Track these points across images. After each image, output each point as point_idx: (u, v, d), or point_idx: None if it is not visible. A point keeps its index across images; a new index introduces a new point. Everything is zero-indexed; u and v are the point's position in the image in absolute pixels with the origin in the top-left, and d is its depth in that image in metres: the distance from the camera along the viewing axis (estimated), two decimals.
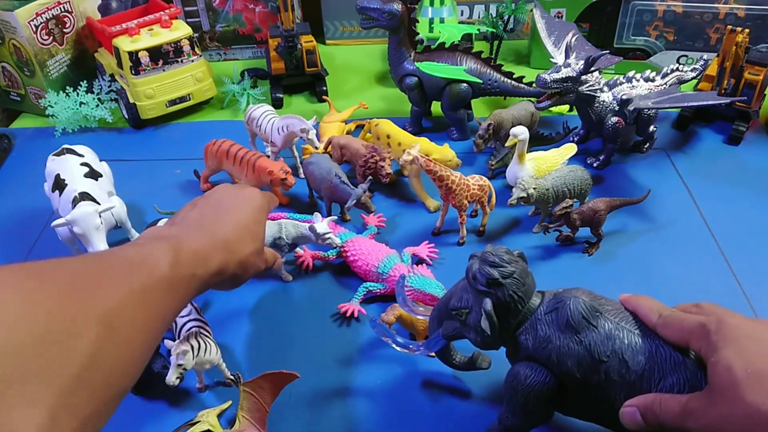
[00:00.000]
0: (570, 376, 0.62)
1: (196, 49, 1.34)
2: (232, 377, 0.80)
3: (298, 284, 0.97)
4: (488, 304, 0.63)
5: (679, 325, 0.58)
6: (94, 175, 0.98)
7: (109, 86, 1.36)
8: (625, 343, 0.60)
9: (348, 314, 0.89)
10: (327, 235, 0.88)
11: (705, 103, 1.12)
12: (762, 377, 0.49)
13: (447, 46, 1.24)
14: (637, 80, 1.14)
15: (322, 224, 0.88)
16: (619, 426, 0.60)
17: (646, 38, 1.42)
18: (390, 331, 0.76)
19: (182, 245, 0.57)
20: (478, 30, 1.45)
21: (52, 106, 1.32)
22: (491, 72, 1.23)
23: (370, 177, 1.04)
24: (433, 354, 0.75)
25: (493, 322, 0.63)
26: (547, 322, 0.63)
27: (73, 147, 1.03)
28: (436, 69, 1.20)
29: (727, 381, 0.51)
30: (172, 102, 1.34)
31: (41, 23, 1.31)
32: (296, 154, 1.19)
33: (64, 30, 1.38)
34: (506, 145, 1.04)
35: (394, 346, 0.76)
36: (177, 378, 0.78)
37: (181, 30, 1.32)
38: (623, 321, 0.62)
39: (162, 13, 1.34)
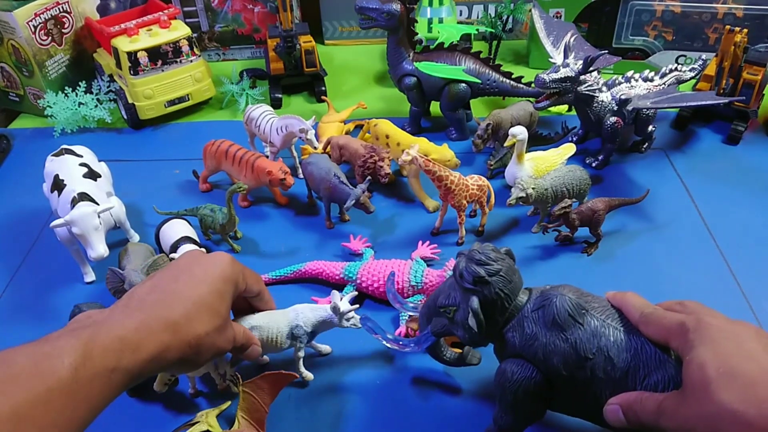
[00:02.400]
0: (556, 373, 0.62)
1: (195, 50, 1.34)
2: (226, 383, 0.80)
3: (295, 285, 0.97)
4: (475, 302, 0.63)
5: (659, 323, 0.59)
6: (92, 175, 0.98)
7: (108, 86, 1.36)
8: (610, 341, 0.61)
9: None
10: (350, 314, 0.77)
11: (703, 102, 1.13)
12: (733, 376, 0.49)
13: (446, 46, 1.24)
14: (636, 80, 1.14)
15: (343, 302, 0.76)
16: (604, 423, 0.60)
17: (644, 38, 1.42)
18: (380, 328, 0.77)
19: (103, 334, 0.52)
20: (477, 30, 1.45)
21: (50, 107, 1.32)
22: (490, 72, 1.24)
23: (369, 177, 1.04)
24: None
25: (480, 319, 0.63)
26: (533, 319, 0.64)
27: (72, 147, 1.03)
28: (435, 69, 1.20)
29: (699, 379, 0.51)
30: (171, 102, 1.34)
31: (40, 24, 1.31)
32: (295, 154, 1.19)
33: (63, 30, 1.38)
34: (505, 145, 1.04)
35: (384, 342, 0.76)
36: (165, 385, 0.78)
37: (179, 30, 1.32)
38: (609, 318, 0.62)
39: (161, 13, 1.34)
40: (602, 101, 1.11)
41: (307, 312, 0.77)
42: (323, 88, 1.42)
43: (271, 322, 0.75)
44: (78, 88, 1.34)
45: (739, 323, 0.55)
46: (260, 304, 0.76)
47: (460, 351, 0.77)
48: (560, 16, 1.44)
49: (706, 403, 0.50)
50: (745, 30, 1.18)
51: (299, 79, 1.44)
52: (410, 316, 0.87)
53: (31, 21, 1.29)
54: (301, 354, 0.79)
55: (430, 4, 1.43)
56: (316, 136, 1.16)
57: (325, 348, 0.85)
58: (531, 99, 1.22)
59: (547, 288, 0.67)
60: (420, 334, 0.74)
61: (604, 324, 0.62)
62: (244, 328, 0.71)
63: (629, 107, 1.10)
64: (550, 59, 1.17)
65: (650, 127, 1.19)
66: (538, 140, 1.17)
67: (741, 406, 0.48)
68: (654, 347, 0.59)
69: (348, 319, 0.76)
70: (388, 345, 0.76)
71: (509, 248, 0.69)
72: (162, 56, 1.30)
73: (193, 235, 0.96)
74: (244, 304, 0.76)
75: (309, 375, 0.81)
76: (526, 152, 1.04)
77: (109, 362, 0.52)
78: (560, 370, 0.62)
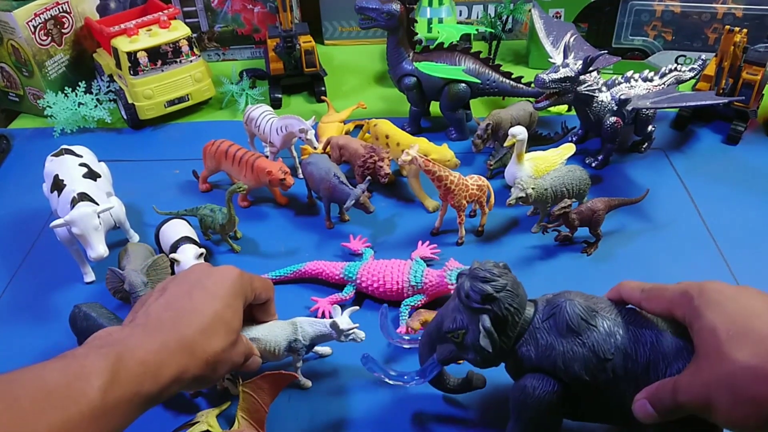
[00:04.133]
0: (579, 380, 0.61)
1: (195, 50, 1.34)
2: (225, 384, 0.80)
3: (295, 285, 0.97)
4: (486, 320, 0.61)
5: (661, 296, 0.59)
6: (92, 175, 0.98)
7: (108, 87, 1.36)
8: (626, 337, 0.60)
9: (320, 314, 0.90)
10: (350, 331, 0.75)
11: (703, 102, 1.12)
12: (744, 334, 0.50)
13: (445, 46, 1.24)
14: (636, 80, 1.14)
15: (343, 318, 0.76)
16: (633, 423, 0.59)
17: (644, 38, 1.43)
18: (382, 367, 0.74)
19: (127, 356, 0.52)
20: (477, 30, 1.45)
21: (50, 107, 1.32)
22: (490, 72, 1.24)
23: (368, 177, 1.04)
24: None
25: (494, 338, 0.61)
26: (546, 329, 0.63)
27: (72, 147, 1.03)
28: (435, 69, 1.20)
29: (712, 343, 0.51)
30: (171, 102, 1.34)
31: (40, 24, 1.31)
32: (295, 154, 1.19)
33: (63, 30, 1.38)
34: (505, 145, 1.04)
35: (387, 380, 0.73)
36: None
37: (179, 30, 1.32)
38: (618, 316, 0.62)
39: (160, 13, 1.34)
40: (602, 101, 1.11)
41: (306, 326, 0.76)
42: (323, 88, 1.42)
43: (270, 335, 0.75)
44: (78, 88, 1.34)
45: (742, 287, 0.56)
46: (263, 315, 0.76)
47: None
48: (560, 16, 1.44)
49: (722, 365, 0.50)
50: (745, 30, 1.18)
51: (299, 79, 1.44)
52: (410, 315, 0.87)
53: (30, 21, 1.29)
54: (300, 364, 0.79)
55: (430, 4, 1.43)
56: (316, 136, 1.16)
57: (325, 350, 0.85)
58: (531, 99, 1.22)
59: (549, 296, 0.66)
60: (424, 365, 0.71)
61: (616, 322, 0.62)
62: (246, 338, 0.71)
63: (629, 107, 1.10)
64: (549, 59, 1.17)
65: (650, 127, 1.19)
66: (538, 140, 1.17)
67: (756, 361, 0.48)
68: (670, 336, 0.59)
69: (347, 335, 0.75)
70: (391, 382, 0.73)
71: (506, 263, 0.66)
72: (162, 56, 1.30)
73: (193, 235, 0.96)
74: (246, 314, 0.75)
75: (307, 383, 0.81)
76: (525, 152, 1.04)
77: (132, 387, 0.52)
78: (582, 375, 0.61)
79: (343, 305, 0.92)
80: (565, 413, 0.65)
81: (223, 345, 0.61)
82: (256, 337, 0.74)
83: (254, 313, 0.75)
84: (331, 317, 0.88)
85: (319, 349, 0.84)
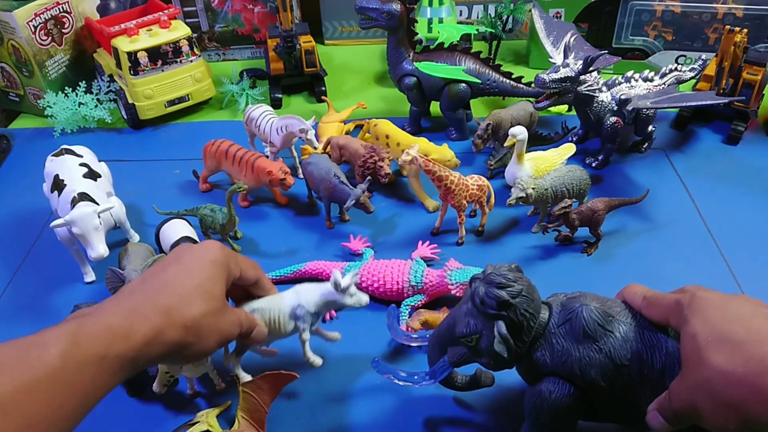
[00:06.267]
0: (595, 386, 0.61)
1: (195, 50, 1.34)
2: (224, 385, 0.80)
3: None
4: (502, 327, 0.61)
5: (659, 304, 0.60)
6: (93, 175, 0.98)
7: (108, 87, 1.36)
8: (642, 343, 0.60)
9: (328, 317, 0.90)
10: (352, 289, 0.73)
11: (703, 102, 1.12)
12: (723, 339, 0.51)
13: (446, 46, 1.24)
14: (636, 80, 1.14)
15: (344, 278, 0.72)
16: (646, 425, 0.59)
17: (644, 38, 1.43)
18: (391, 367, 0.74)
19: (90, 323, 0.53)
20: (477, 30, 1.45)
21: (50, 107, 1.32)
22: (490, 72, 1.24)
23: (368, 177, 1.04)
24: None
25: (510, 344, 0.61)
26: (561, 334, 0.62)
27: (72, 147, 1.03)
28: (435, 69, 1.20)
29: (692, 350, 0.52)
30: (171, 102, 1.34)
31: (40, 24, 1.31)
32: (295, 154, 1.19)
33: (63, 30, 1.38)
34: (505, 145, 1.04)
35: (397, 381, 0.73)
36: (164, 386, 0.78)
37: (179, 30, 1.32)
38: (633, 320, 0.62)
39: (161, 13, 1.34)
40: (602, 101, 1.11)
41: (308, 291, 0.74)
42: (323, 88, 1.43)
43: (272, 304, 0.73)
44: (78, 88, 1.34)
45: (734, 296, 0.56)
46: (259, 291, 0.74)
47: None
48: (560, 16, 1.44)
49: (701, 370, 0.51)
50: (745, 30, 1.18)
51: (299, 79, 1.44)
52: (410, 315, 0.87)
53: (31, 21, 1.29)
54: (306, 336, 0.75)
55: (430, 4, 1.43)
56: (316, 136, 1.16)
57: (334, 335, 0.81)
58: (531, 99, 1.22)
59: (562, 297, 0.66)
60: (434, 366, 0.71)
61: (632, 327, 0.61)
62: (246, 311, 0.70)
63: (629, 107, 1.10)
64: (550, 59, 1.17)
65: (650, 127, 1.19)
66: (538, 140, 1.17)
67: (730, 366, 0.49)
68: None
69: (351, 295, 0.73)
70: (401, 383, 0.73)
71: (518, 264, 0.66)
72: (162, 56, 1.30)
73: (193, 235, 0.96)
74: (243, 294, 0.74)
75: (317, 360, 0.76)
76: (526, 152, 1.04)
77: (98, 349, 0.52)
78: (599, 381, 0.61)
79: None
80: (581, 415, 0.65)
81: (202, 310, 0.60)
82: (258, 307, 0.72)
83: (251, 291, 0.74)
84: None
85: (327, 333, 0.80)
